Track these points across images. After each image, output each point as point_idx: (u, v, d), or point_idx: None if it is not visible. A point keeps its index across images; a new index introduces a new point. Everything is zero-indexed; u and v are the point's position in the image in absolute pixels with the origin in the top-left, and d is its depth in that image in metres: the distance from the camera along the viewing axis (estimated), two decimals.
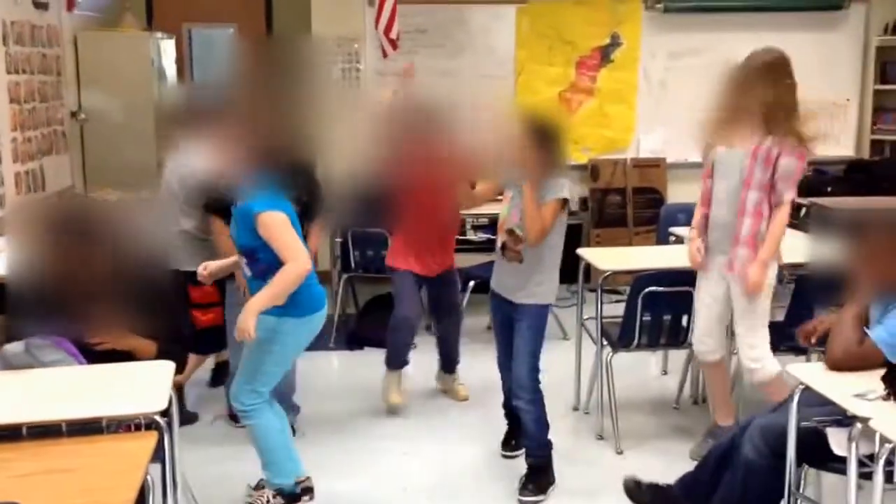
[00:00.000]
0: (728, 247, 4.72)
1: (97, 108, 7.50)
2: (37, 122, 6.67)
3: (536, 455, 4.75)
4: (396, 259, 5.69)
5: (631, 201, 8.79)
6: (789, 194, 4.57)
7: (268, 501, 4.48)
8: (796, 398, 3.58)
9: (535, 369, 4.65)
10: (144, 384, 3.51)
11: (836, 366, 3.58)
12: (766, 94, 4.58)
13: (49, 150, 6.89)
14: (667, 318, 5.09)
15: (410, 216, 5.59)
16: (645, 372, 6.34)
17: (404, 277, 5.67)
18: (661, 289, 4.96)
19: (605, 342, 5.29)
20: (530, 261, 4.54)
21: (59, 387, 3.49)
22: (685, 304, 5.04)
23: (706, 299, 4.89)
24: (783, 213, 4.61)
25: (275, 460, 4.45)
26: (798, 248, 5.83)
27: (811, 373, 3.66)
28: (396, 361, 5.79)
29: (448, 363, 6.04)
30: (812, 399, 3.54)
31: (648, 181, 8.83)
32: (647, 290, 4.97)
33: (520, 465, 4.83)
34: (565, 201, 4.49)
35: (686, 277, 5.01)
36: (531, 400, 4.66)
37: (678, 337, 5.12)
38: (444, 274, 5.77)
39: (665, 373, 6.32)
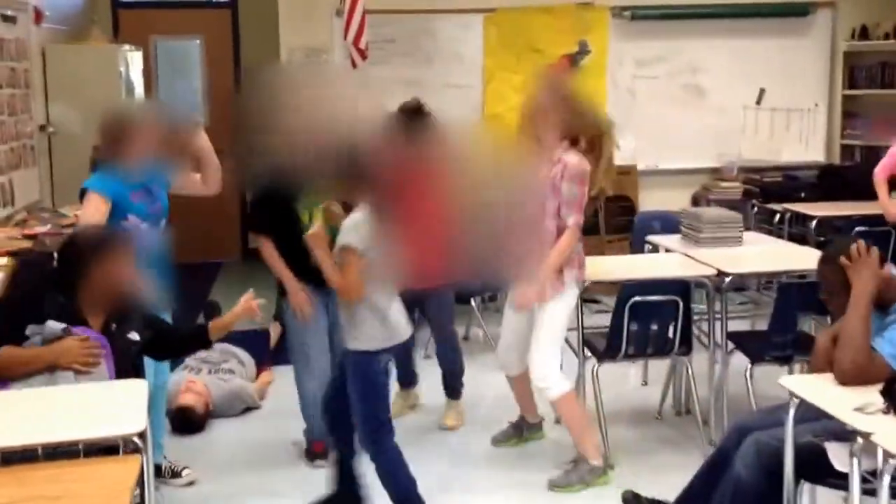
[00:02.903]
0: None
1: (65, 122, 7.39)
2: (6, 136, 6.55)
3: None
4: None
5: (603, 209, 8.72)
6: (573, 218, 4.64)
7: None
8: (792, 413, 3.51)
9: (369, 421, 4.24)
10: (119, 404, 3.42)
11: (846, 380, 3.49)
12: (572, 117, 4.69)
13: (18, 164, 6.76)
14: (654, 327, 5.04)
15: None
16: (624, 383, 6.25)
17: None
18: (648, 298, 4.93)
19: (587, 353, 5.25)
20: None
21: (32, 409, 3.41)
22: (672, 313, 5.01)
23: (510, 323, 5.06)
24: (567, 237, 4.67)
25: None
26: (780, 255, 5.86)
27: (806, 386, 3.59)
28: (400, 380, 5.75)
29: (448, 389, 5.80)
30: (806, 413, 3.49)
31: (620, 189, 8.70)
32: (634, 299, 4.93)
33: None
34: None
35: (673, 287, 5.01)
36: (373, 455, 4.27)
37: (665, 346, 5.10)
38: (427, 293, 5.45)
39: (645, 383, 6.26)
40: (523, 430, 5.41)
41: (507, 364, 5.21)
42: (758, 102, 8.87)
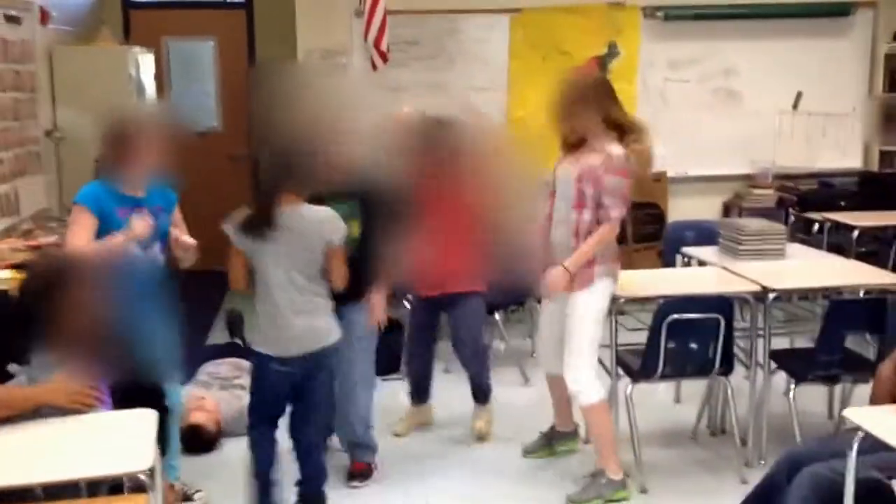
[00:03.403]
0: None
1: (73, 127, 7.11)
2: (10, 142, 6.27)
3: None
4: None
5: (630, 217, 8.42)
6: (616, 211, 4.57)
7: None
8: (855, 447, 3.21)
9: (251, 413, 4.40)
10: (125, 437, 3.17)
11: None
12: (598, 112, 4.59)
13: (23, 172, 6.48)
14: (693, 346, 4.75)
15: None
16: (655, 401, 5.85)
17: (412, 305, 5.72)
18: (688, 315, 4.63)
19: (620, 372, 4.95)
20: None
21: (30, 443, 3.13)
22: (713, 331, 4.71)
23: (547, 318, 4.97)
24: (605, 230, 4.59)
25: None
26: (825, 269, 5.53)
27: (872, 417, 3.29)
28: (412, 394, 5.76)
29: (474, 394, 5.69)
30: (864, 444, 3.21)
31: (648, 196, 8.47)
32: (672, 317, 4.63)
33: None
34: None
35: (714, 303, 4.72)
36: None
37: (705, 366, 4.79)
38: (453, 297, 5.42)
39: (678, 401, 5.95)
40: (553, 440, 5.27)
41: (545, 362, 5.10)
42: (794, 107, 8.52)
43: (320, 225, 4.17)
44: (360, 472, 5.06)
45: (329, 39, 8.02)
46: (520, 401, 6.03)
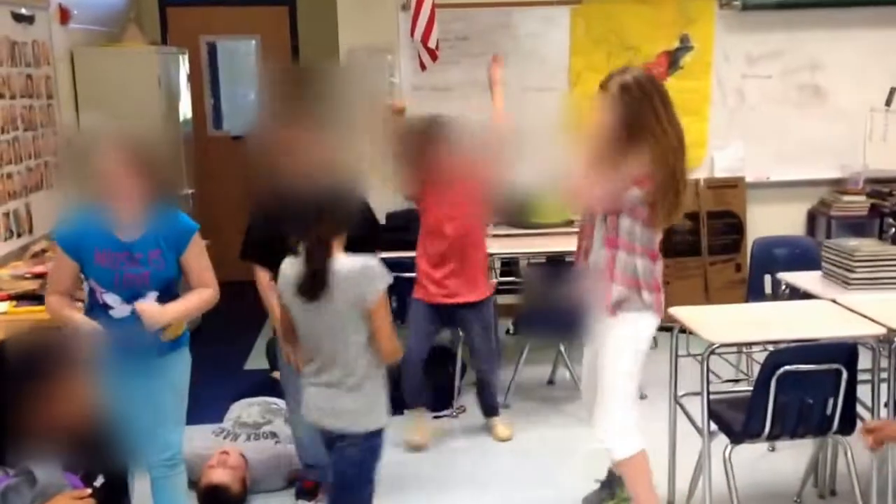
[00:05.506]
0: None
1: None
2: (21, 153, 5.69)
3: None
4: (416, 285, 5.41)
5: (705, 227, 7.76)
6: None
7: None
8: None
9: None
10: None
11: None
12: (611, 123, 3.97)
13: (37, 186, 5.90)
14: (809, 401, 3.99)
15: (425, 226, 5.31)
16: (746, 449, 4.60)
17: (412, 308, 5.43)
18: (805, 367, 3.88)
19: (713, 427, 4.25)
20: None
21: None
22: (832, 383, 3.96)
23: (589, 361, 4.41)
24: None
25: None
26: None
27: None
28: (408, 400, 5.54)
29: (483, 407, 5.71)
30: None
31: (725, 204, 7.86)
32: (784, 368, 3.88)
33: None
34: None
35: (834, 350, 3.97)
36: None
37: (822, 425, 4.05)
38: (464, 307, 5.31)
39: (772, 449, 5.17)
40: (615, 485, 4.59)
41: (590, 405, 4.40)
42: (887, 104, 7.79)
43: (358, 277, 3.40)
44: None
45: (374, 36, 7.49)
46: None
